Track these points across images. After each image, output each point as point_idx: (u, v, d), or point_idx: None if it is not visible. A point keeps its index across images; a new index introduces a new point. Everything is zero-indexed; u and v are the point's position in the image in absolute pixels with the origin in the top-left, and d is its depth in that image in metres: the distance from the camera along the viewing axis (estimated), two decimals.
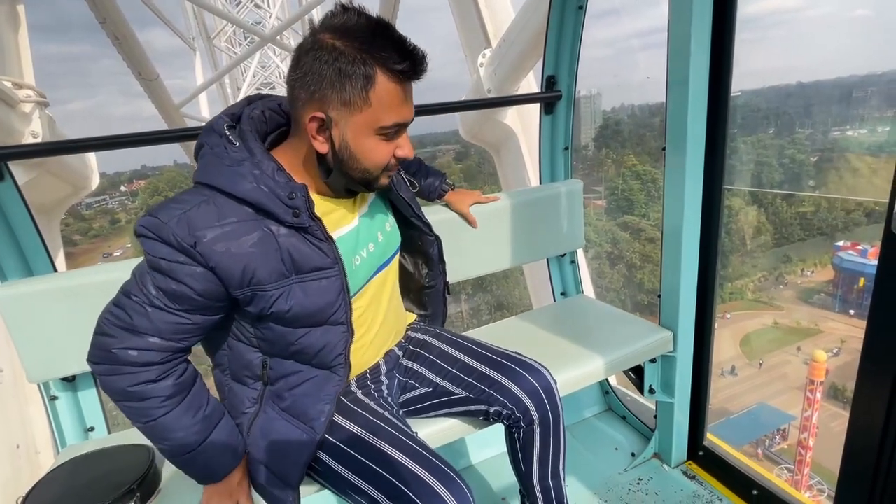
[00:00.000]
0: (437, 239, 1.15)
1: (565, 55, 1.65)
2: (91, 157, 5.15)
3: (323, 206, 0.89)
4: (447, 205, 1.48)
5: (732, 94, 1.23)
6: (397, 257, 1.09)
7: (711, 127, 1.23)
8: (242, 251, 0.78)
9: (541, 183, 1.85)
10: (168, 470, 1.08)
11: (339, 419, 0.94)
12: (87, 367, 1.22)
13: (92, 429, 1.36)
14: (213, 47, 17.36)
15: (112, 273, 1.18)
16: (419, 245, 1.14)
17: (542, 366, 1.07)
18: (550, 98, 1.71)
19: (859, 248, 20.73)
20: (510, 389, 1.03)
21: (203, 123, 0.98)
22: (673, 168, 1.28)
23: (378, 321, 1.04)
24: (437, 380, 1.09)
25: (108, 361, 0.79)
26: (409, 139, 0.88)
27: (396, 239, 1.07)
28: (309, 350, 0.89)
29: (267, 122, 0.89)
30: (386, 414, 0.97)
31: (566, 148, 1.77)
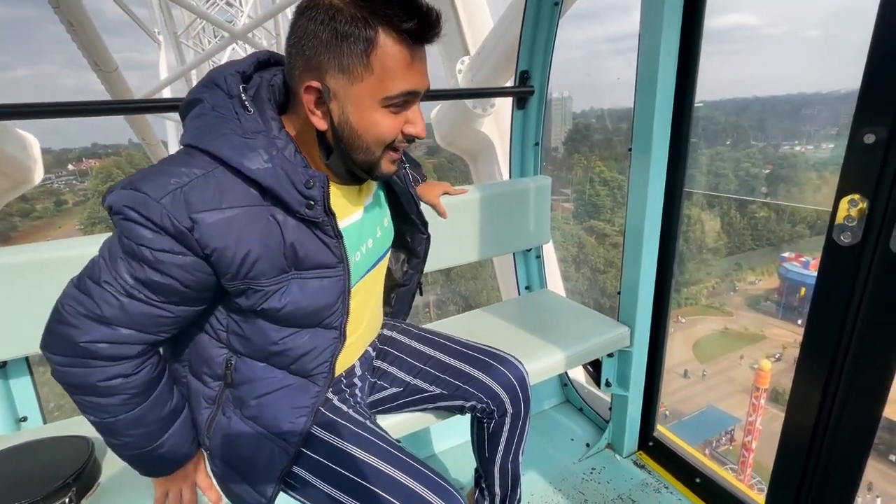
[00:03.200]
0: (429, 237, 1.10)
1: (539, 51, 1.66)
2: (34, 146, 4.76)
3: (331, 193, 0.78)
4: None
5: (695, 105, 1.28)
6: (388, 255, 1.02)
7: (676, 131, 1.28)
8: (243, 241, 0.68)
9: (510, 177, 1.87)
10: (110, 462, 1.01)
11: (317, 431, 0.87)
12: (18, 353, 1.16)
13: (25, 419, 1.26)
14: (180, 43, 16.43)
15: (45, 252, 1.10)
16: (407, 241, 1.09)
17: (515, 357, 1.07)
18: (523, 93, 1.72)
19: (802, 259, 22.15)
20: (486, 383, 1.02)
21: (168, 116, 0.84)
22: (638, 168, 1.32)
23: (363, 322, 0.98)
24: (408, 378, 1.06)
25: (72, 354, 0.69)
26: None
27: (391, 235, 1.00)
28: (291, 353, 0.80)
29: (282, 95, 0.76)
30: (368, 423, 0.90)
31: (536, 144, 1.79)
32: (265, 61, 0.79)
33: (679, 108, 1.26)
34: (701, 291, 24.24)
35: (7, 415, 1.24)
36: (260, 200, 0.70)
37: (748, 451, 15.62)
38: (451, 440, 1.67)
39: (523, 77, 1.73)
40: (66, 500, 0.88)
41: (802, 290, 21.14)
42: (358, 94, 0.68)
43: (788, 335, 20.84)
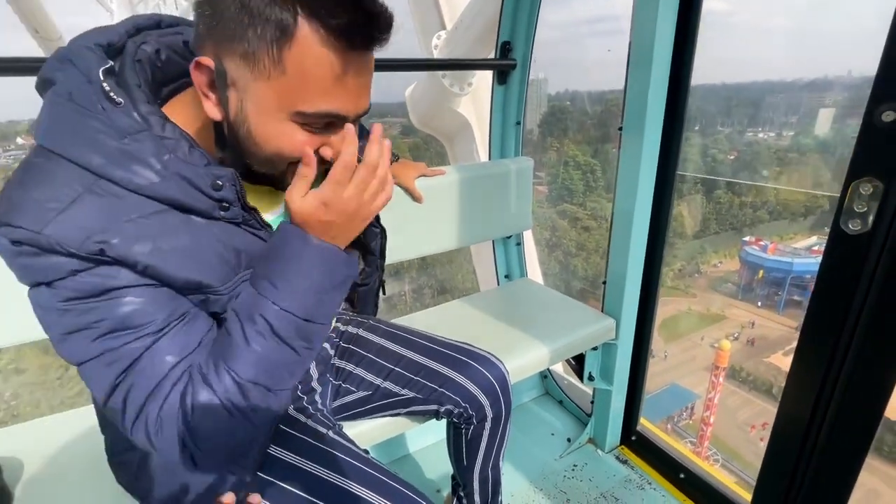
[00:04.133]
0: (383, 231, 0.96)
1: (523, 20, 1.53)
2: None
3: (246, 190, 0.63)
4: None
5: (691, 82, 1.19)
6: None
7: (670, 111, 1.18)
8: (176, 247, 0.54)
9: (490, 159, 1.75)
10: (23, 484, 0.87)
11: (273, 450, 0.75)
12: None
13: None
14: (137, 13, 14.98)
15: None
16: (359, 236, 0.96)
17: (495, 356, 0.98)
18: (504, 66, 1.59)
19: (761, 243, 23.14)
20: (464, 386, 0.92)
21: None
22: (628, 150, 1.22)
23: None
24: (377, 381, 0.95)
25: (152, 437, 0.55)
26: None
27: None
28: None
29: (162, 69, 0.59)
30: (329, 434, 0.80)
31: (518, 123, 1.67)
32: (145, 27, 0.61)
33: (675, 85, 1.16)
34: (667, 274, 25.09)
35: None
36: (165, 208, 0.55)
37: (706, 426, 16.47)
38: (425, 439, 1.58)
39: (505, 49, 1.60)
40: None
41: (761, 273, 22.14)
42: (262, 94, 0.51)
43: (746, 315, 21.89)
